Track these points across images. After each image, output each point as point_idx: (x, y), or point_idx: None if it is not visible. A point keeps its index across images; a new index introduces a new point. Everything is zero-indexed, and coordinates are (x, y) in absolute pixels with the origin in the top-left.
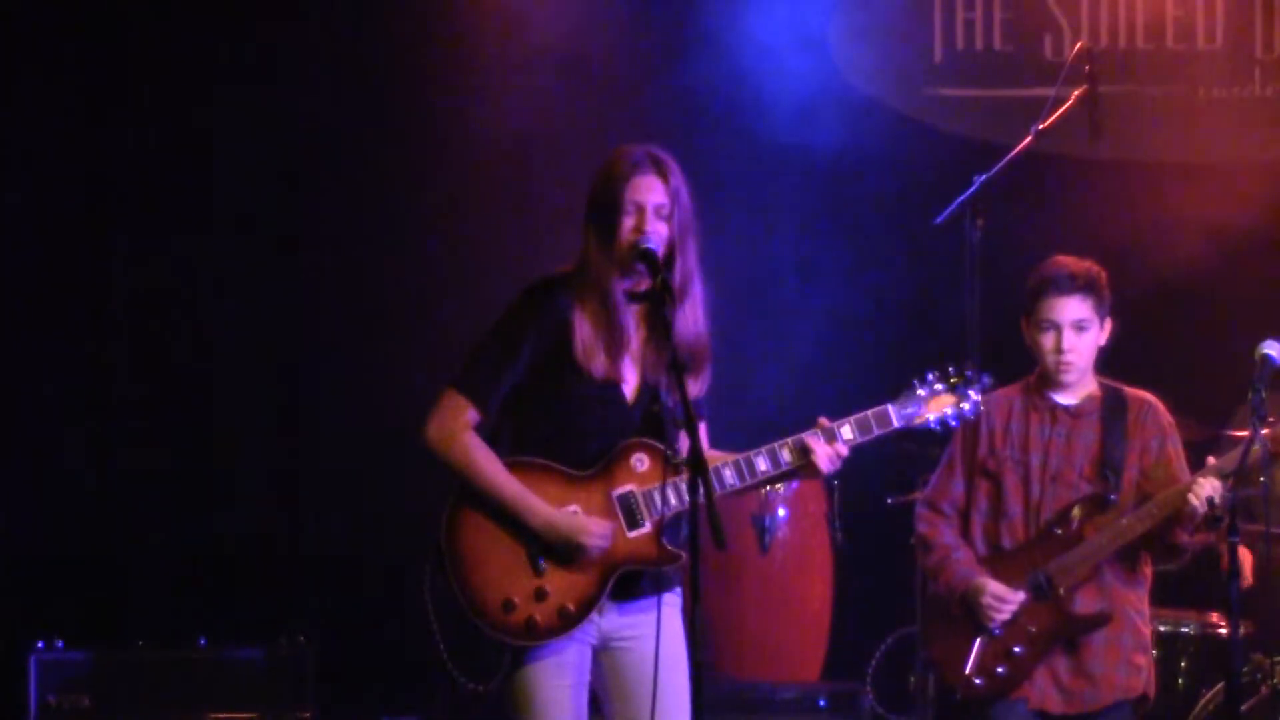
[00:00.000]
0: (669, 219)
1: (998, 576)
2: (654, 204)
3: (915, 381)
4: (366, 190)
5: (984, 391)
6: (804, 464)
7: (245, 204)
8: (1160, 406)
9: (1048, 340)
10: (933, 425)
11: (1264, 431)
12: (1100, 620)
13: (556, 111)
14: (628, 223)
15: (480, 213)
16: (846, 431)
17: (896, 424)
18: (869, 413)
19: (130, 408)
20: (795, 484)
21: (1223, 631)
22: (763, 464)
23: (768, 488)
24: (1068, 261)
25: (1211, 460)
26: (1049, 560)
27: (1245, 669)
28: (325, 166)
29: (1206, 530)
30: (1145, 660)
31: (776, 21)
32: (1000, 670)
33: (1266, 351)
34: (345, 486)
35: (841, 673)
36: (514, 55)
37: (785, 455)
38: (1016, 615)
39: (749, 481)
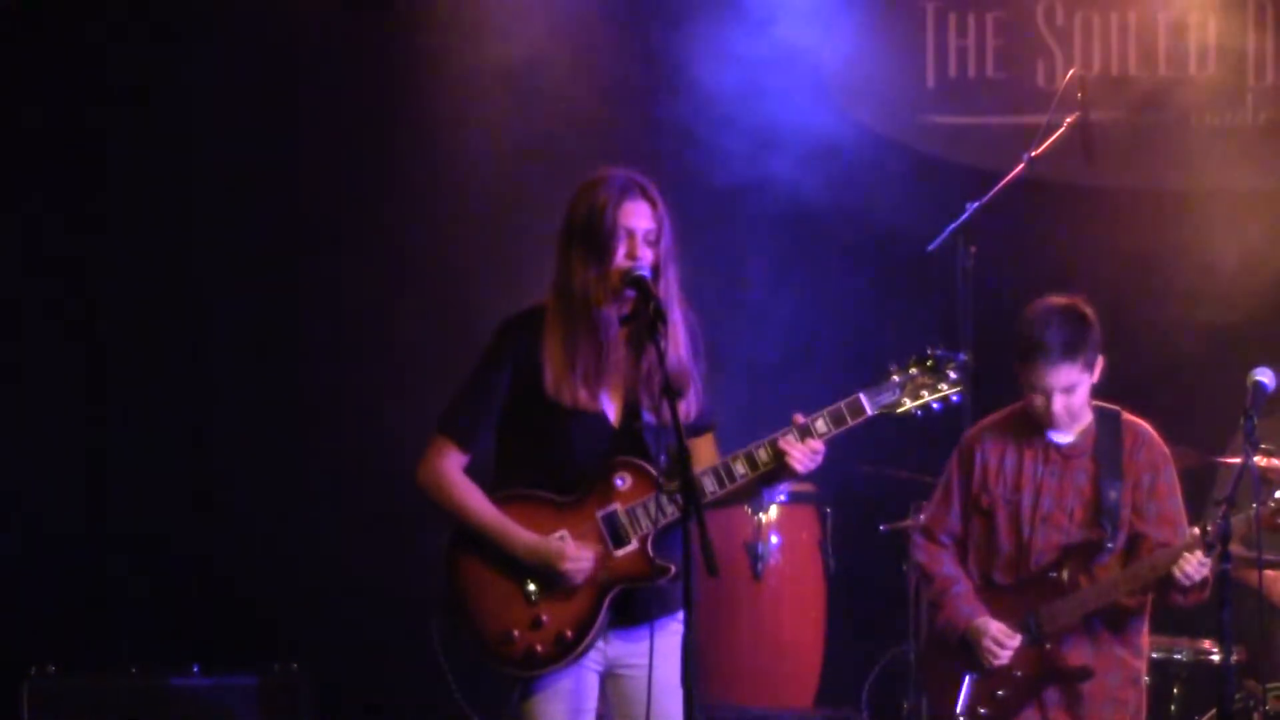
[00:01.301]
0: (655, 244)
1: (993, 610)
2: (644, 230)
3: (891, 366)
4: (357, 205)
5: (962, 370)
6: (781, 464)
7: (234, 216)
8: (1155, 438)
9: (1037, 400)
10: (915, 413)
11: (1256, 459)
12: (1083, 674)
13: (540, 130)
14: (620, 249)
15: (467, 242)
16: (820, 425)
17: (870, 411)
18: (841, 403)
19: (124, 434)
20: (785, 495)
21: (1215, 658)
22: (740, 467)
23: (760, 515)
24: (1054, 315)
25: (1194, 531)
26: (1040, 604)
27: (1238, 695)
28: (317, 178)
29: (1199, 593)
30: (1134, 693)
31: (767, 46)
32: (984, 712)
33: (1258, 378)
34: (340, 512)
35: (835, 699)
36: (483, 82)
37: (762, 455)
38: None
39: (729, 487)
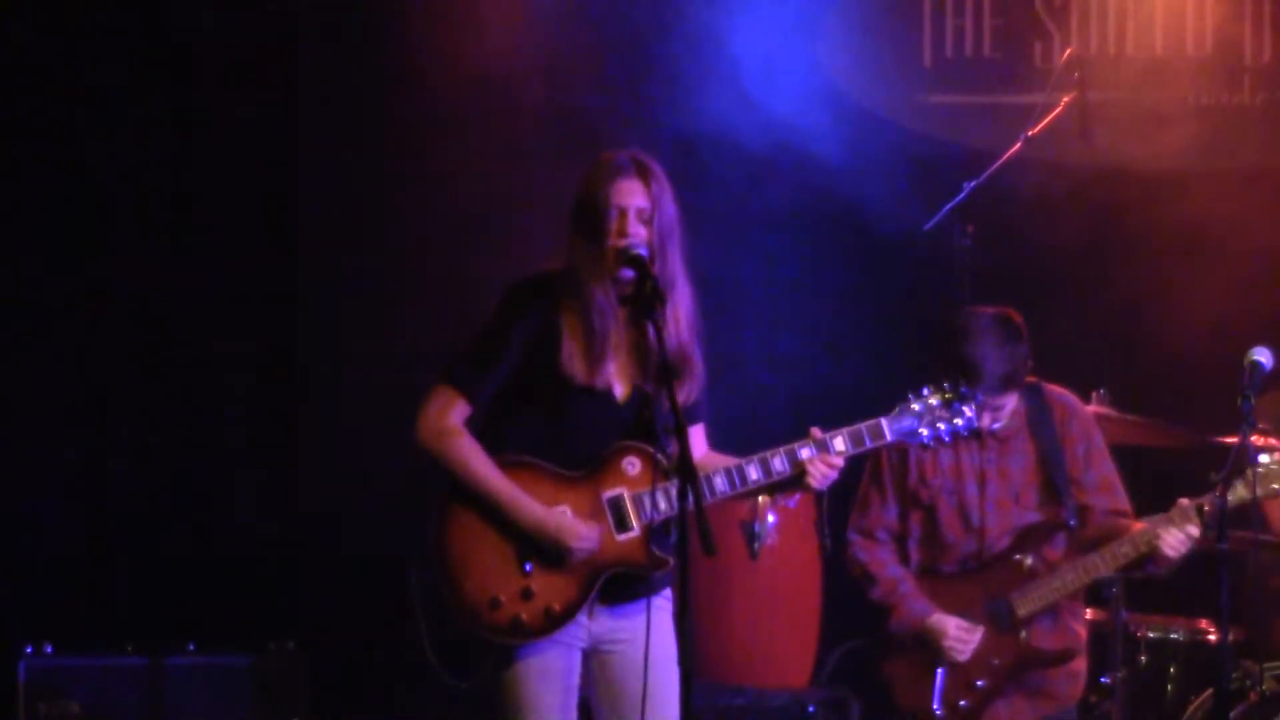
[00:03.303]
0: (650, 223)
1: (943, 601)
2: (636, 207)
3: (910, 395)
4: (362, 202)
5: (977, 407)
6: (796, 475)
7: (237, 212)
8: (1079, 404)
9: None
10: (926, 440)
11: (1255, 439)
12: (1065, 657)
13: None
14: (611, 227)
15: (467, 226)
16: (839, 444)
17: (890, 438)
18: (862, 426)
19: (122, 415)
20: (793, 502)
21: (1212, 638)
22: (754, 473)
23: (759, 496)
24: (990, 339)
25: (1184, 502)
26: (1009, 590)
27: (1234, 675)
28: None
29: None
30: (1082, 664)
31: (765, 26)
32: (963, 704)
33: (1256, 358)
34: (336, 490)
35: (831, 680)
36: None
37: (777, 464)
38: (977, 648)
39: (739, 490)
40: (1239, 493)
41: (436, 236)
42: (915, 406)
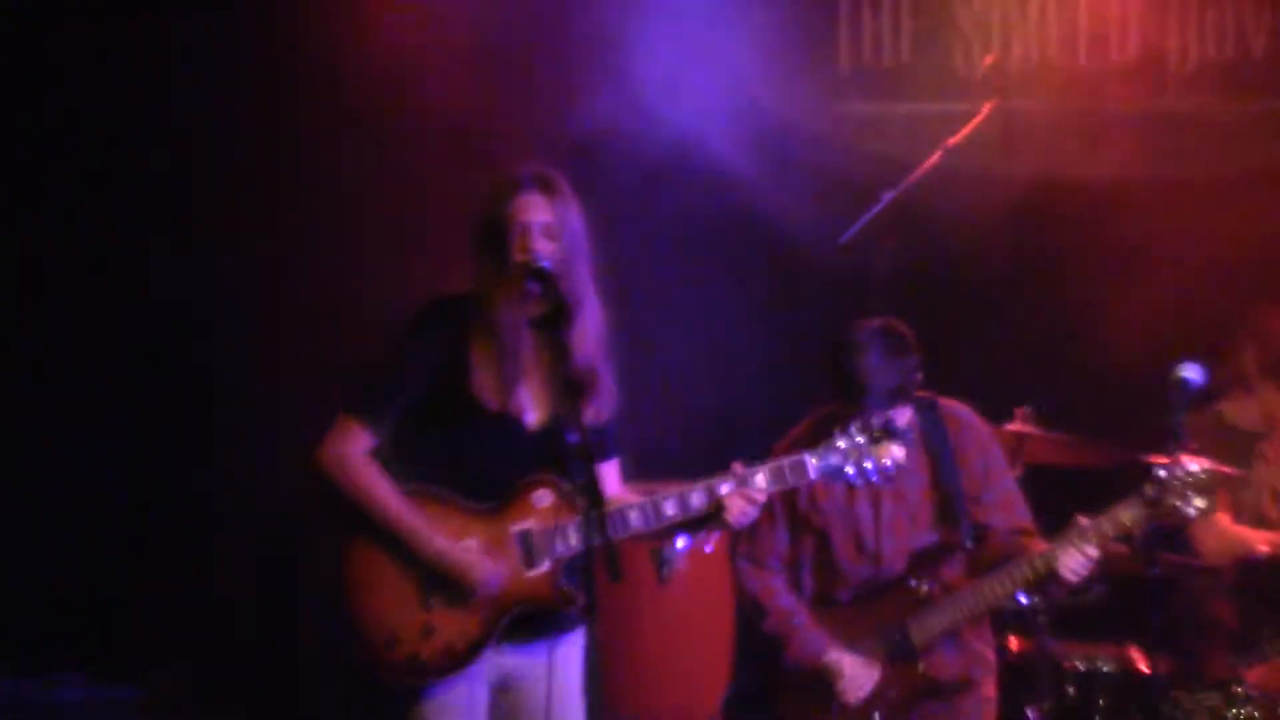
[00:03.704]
0: (555, 238)
1: (839, 632)
2: (540, 223)
3: (836, 432)
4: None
5: (906, 445)
6: (713, 511)
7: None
8: (975, 419)
9: None
10: (852, 478)
11: (1183, 457)
12: (963, 685)
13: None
14: (514, 242)
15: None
16: (760, 480)
17: (813, 475)
18: (784, 462)
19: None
20: (709, 546)
21: (1142, 669)
22: (670, 508)
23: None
24: (876, 354)
25: (1084, 521)
26: (904, 617)
27: (1164, 707)
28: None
29: (1084, 590)
30: (993, 683)
31: (672, 28)
32: None
33: (1184, 375)
34: (219, 515)
35: (744, 710)
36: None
37: (695, 500)
38: (875, 681)
39: (655, 526)
40: (1135, 512)
41: (336, 245)
42: (841, 444)
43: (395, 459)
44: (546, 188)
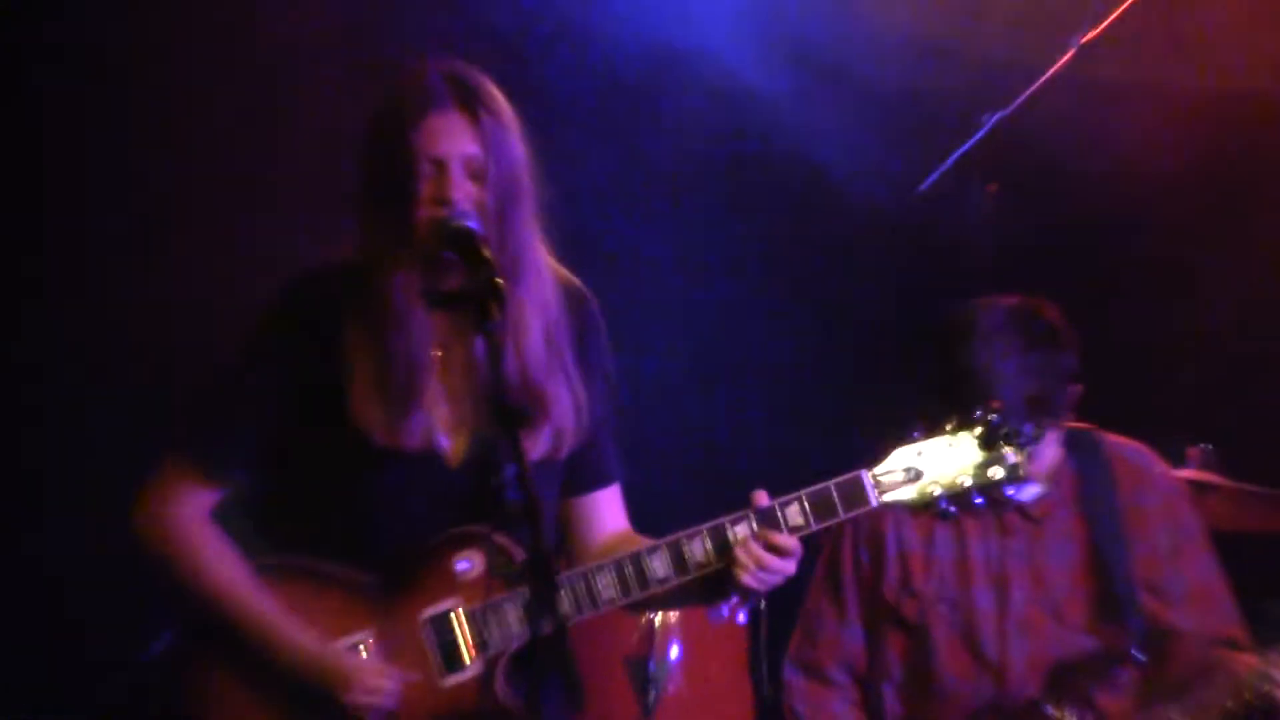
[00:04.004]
0: (482, 177)
1: None
2: (460, 156)
3: (914, 435)
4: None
5: (1029, 444)
6: (722, 571)
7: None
8: (1160, 466)
9: None
10: (942, 504)
11: None
12: None
13: None
14: (422, 189)
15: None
16: (795, 514)
17: (874, 501)
18: (831, 484)
19: None
20: (743, 617)
21: None
22: (659, 567)
23: (658, 613)
24: (1003, 312)
25: None
26: None
27: None
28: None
29: None
30: None
31: None
32: None
33: None
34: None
35: None
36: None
37: (696, 551)
38: None
39: (638, 595)
40: None
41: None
42: (919, 450)
43: (259, 520)
44: (469, 103)
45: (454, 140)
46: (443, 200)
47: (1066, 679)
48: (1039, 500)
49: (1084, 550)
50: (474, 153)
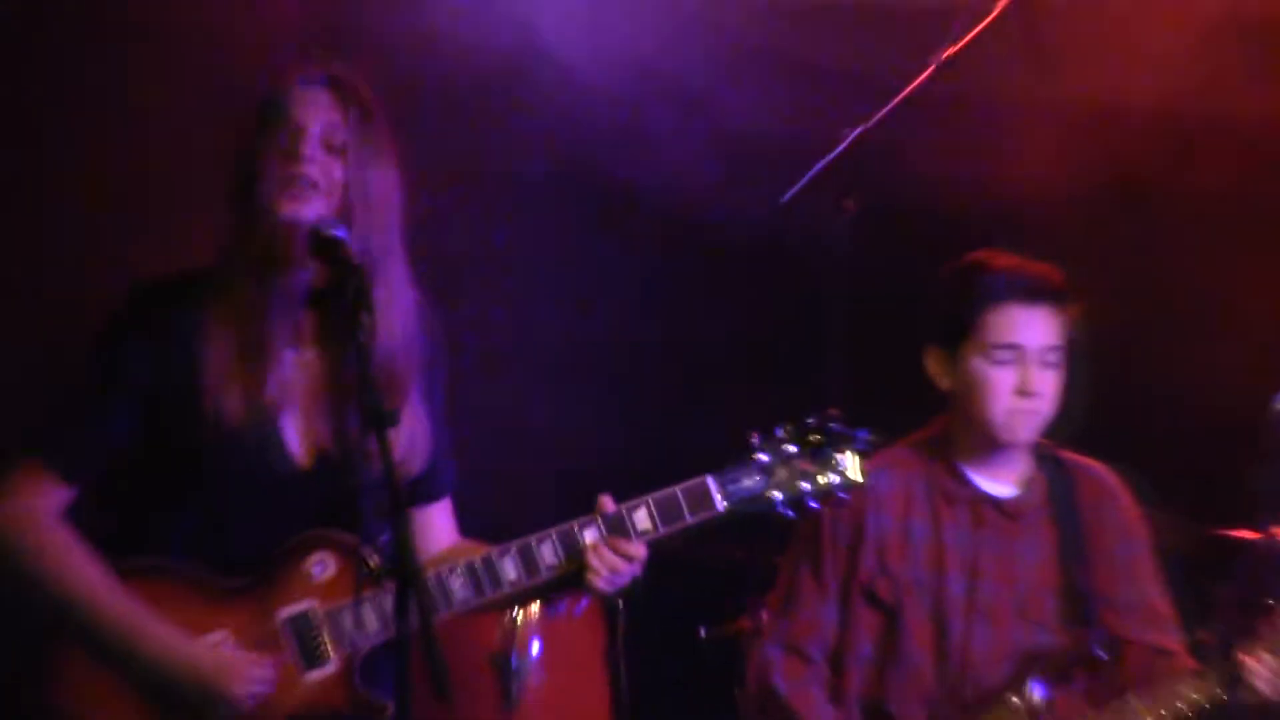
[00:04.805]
0: (342, 154)
1: None
2: (322, 123)
3: (754, 441)
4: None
5: (861, 453)
6: (574, 572)
7: None
8: (1120, 486)
9: (1002, 377)
10: (779, 506)
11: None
12: None
13: None
14: (273, 170)
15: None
16: (642, 519)
17: (720, 506)
18: (677, 489)
19: None
20: (580, 609)
21: None
22: (511, 569)
23: (517, 610)
24: (1017, 260)
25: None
26: None
27: None
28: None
29: None
30: None
31: None
32: None
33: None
34: None
35: None
36: None
37: (547, 554)
38: None
39: (490, 596)
40: None
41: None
42: (761, 456)
43: (118, 522)
44: (340, 89)
45: (315, 110)
46: (297, 158)
47: (1028, 671)
48: (1014, 499)
49: (1052, 553)
50: (334, 120)
